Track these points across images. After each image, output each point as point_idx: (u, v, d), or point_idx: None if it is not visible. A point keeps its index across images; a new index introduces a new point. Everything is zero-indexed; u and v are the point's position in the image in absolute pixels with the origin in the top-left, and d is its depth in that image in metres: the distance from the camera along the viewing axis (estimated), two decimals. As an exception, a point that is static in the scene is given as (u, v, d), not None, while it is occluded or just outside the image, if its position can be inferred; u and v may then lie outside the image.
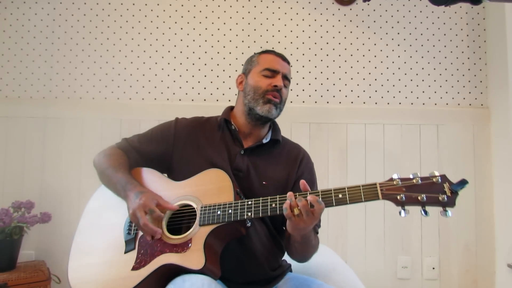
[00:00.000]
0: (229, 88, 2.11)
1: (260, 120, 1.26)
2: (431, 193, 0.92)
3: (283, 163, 1.27)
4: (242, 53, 2.12)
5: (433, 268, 2.04)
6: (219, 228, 1.05)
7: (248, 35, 2.14)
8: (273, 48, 2.12)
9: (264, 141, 1.28)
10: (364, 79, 2.15)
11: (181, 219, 1.12)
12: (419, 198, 0.92)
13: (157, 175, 1.23)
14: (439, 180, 0.93)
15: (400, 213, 0.93)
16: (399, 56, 2.16)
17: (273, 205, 1.03)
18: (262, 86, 1.24)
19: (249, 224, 1.09)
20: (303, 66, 2.14)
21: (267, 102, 1.23)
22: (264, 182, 1.20)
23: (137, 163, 1.26)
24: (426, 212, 0.93)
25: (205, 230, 1.04)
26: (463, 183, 0.90)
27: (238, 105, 1.32)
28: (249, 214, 1.04)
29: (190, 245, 1.04)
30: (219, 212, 1.05)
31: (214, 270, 1.02)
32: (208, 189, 1.12)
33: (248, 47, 2.13)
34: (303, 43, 2.15)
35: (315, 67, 2.14)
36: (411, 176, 0.95)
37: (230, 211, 1.05)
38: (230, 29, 2.14)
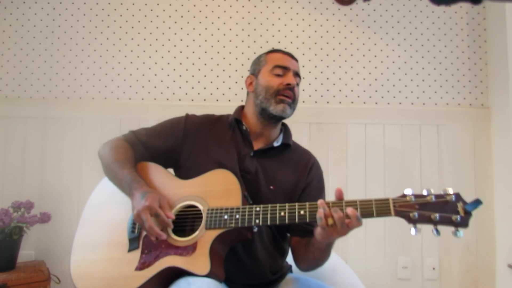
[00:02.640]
0: (229, 88, 2.10)
1: (273, 119, 1.23)
2: (444, 212, 0.88)
3: (293, 168, 1.23)
4: (242, 53, 2.12)
5: (433, 268, 2.03)
6: (225, 232, 1.02)
7: (248, 35, 2.14)
8: (273, 48, 2.13)
9: (275, 144, 1.24)
10: (364, 79, 2.14)
11: (185, 220, 1.10)
12: (432, 217, 0.88)
13: (163, 172, 1.20)
14: (453, 198, 0.90)
15: (410, 230, 0.89)
16: (399, 56, 2.15)
17: (282, 213, 0.99)
18: (273, 86, 1.21)
19: (256, 229, 1.07)
20: (303, 66, 2.13)
21: (280, 102, 1.20)
22: (271, 187, 1.17)
23: (143, 158, 1.22)
24: (438, 232, 0.88)
25: (211, 234, 1.02)
26: (477, 203, 0.86)
27: (249, 106, 1.28)
28: (257, 221, 1.00)
29: (195, 248, 1.01)
30: (226, 217, 1.02)
31: (218, 274, 1.01)
32: (214, 190, 1.09)
33: (248, 47, 2.13)
34: (303, 43, 2.15)
35: (315, 67, 2.14)
36: (425, 193, 0.91)
37: (237, 216, 1.02)
38: (230, 29, 2.14)
